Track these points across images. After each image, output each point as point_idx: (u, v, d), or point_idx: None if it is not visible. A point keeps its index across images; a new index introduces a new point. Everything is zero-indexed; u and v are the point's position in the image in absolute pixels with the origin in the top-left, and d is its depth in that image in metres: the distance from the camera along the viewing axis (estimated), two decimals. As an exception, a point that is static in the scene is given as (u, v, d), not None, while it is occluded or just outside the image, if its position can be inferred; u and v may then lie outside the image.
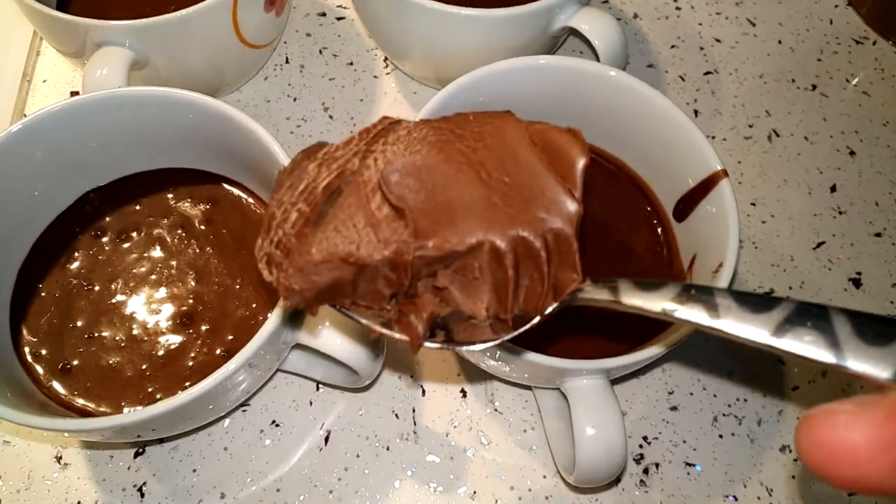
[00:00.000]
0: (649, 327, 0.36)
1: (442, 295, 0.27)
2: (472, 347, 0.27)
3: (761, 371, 0.42)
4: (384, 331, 0.27)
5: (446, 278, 0.26)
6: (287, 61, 0.51)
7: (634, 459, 0.40)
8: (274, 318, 0.30)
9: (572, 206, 0.26)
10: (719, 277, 0.33)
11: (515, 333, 0.27)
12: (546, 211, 0.26)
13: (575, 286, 0.26)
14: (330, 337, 0.32)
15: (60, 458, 0.38)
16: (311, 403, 0.40)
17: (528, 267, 0.26)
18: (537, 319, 0.27)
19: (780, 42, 0.54)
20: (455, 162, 0.27)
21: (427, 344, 0.27)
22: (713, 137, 0.50)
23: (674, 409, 0.41)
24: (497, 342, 0.27)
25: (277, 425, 0.40)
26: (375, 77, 0.51)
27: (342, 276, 0.25)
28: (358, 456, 0.39)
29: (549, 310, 0.26)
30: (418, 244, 0.25)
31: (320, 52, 0.52)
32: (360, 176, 0.26)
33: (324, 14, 0.54)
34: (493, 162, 0.27)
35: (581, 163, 0.26)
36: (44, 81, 0.51)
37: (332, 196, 0.26)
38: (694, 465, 0.40)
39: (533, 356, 0.31)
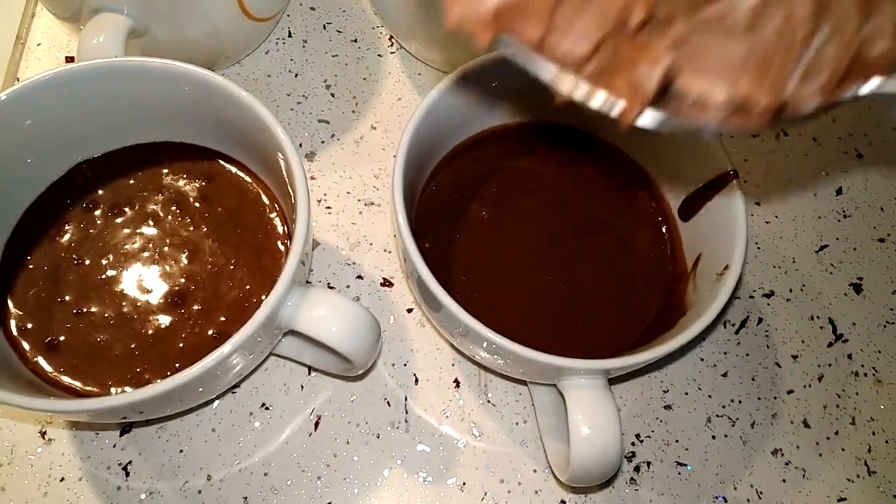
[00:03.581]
0: (652, 327, 0.35)
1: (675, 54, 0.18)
2: (723, 131, 0.19)
3: (757, 373, 0.42)
4: (587, 87, 0.19)
5: (687, 27, 0.18)
6: (290, 35, 0.50)
7: (626, 457, 0.39)
8: (269, 304, 0.30)
9: None
10: (725, 280, 0.32)
11: (760, 128, 0.19)
12: None
13: (874, 74, 0.18)
14: (325, 325, 0.31)
15: (45, 433, 0.38)
16: (301, 387, 0.40)
17: (826, 23, 0.17)
18: (810, 113, 0.19)
19: (792, 39, 0.53)
20: None
21: (648, 114, 0.19)
22: (720, 134, 0.49)
23: (668, 407, 0.41)
24: (741, 130, 0.19)
25: (267, 408, 0.39)
26: (380, 56, 0.50)
27: None
28: (347, 443, 0.39)
29: (839, 100, 0.19)
30: None
31: (324, 27, 0.51)
32: None
33: (329, -12, 0.52)
34: None
35: None
36: (38, 45, 0.49)
37: None
38: (685, 465, 0.39)
39: (530, 353, 0.30)
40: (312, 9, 0.51)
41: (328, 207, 0.44)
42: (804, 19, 0.17)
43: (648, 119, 0.19)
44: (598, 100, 0.19)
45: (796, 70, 0.18)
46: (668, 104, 0.19)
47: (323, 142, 0.46)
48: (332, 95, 0.48)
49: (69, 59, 0.48)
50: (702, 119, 0.19)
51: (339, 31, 0.50)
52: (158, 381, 0.29)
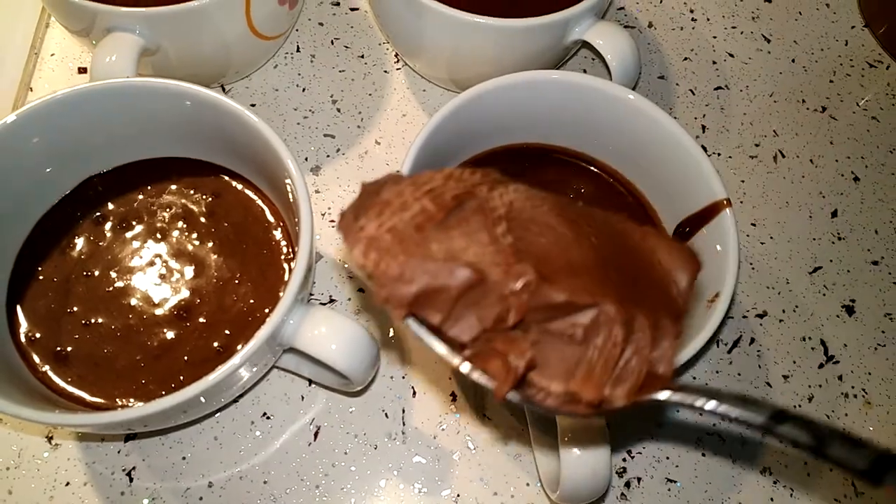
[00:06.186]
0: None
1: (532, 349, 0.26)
2: (558, 413, 0.27)
3: (748, 392, 0.42)
4: (469, 369, 0.26)
5: (537, 334, 0.26)
6: (298, 50, 0.51)
7: (617, 472, 0.40)
8: (271, 322, 0.30)
9: (681, 310, 0.27)
10: (715, 308, 0.33)
11: (584, 416, 0.27)
12: (659, 303, 0.26)
13: (662, 387, 0.26)
14: (325, 344, 0.32)
15: (51, 438, 0.39)
16: (302, 398, 0.41)
17: (631, 345, 0.26)
18: (614, 409, 0.26)
19: (793, 61, 0.54)
20: (573, 228, 0.27)
21: (510, 395, 0.26)
22: (719, 155, 0.50)
23: (660, 424, 0.42)
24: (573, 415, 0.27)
25: (268, 417, 0.40)
26: (386, 72, 0.51)
27: (451, 285, 0.25)
28: (346, 453, 0.40)
29: (640, 401, 0.26)
30: (543, 283, 0.25)
31: (332, 42, 0.51)
32: (488, 202, 0.27)
33: (337, 3, 0.53)
34: (605, 242, 0.27)
35: (693, 277, 0.27)
36: (52, 55, 0.50)
37: (460, 206, 0.26)
38: (675, 482, 0.40)
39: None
40: (321, 24, 0.52)
41: (332, 221, 0.45)
42: (618, 341, 0.25)
43: (512, 396, 0.26)
44: (477, 375, 0.26)
45: (611, 377, 0.26)
46: (522, 387, 0.26)
47: (328, 156, 0.47)
48: (338, 110, 0.49)
49: (82, 70, 0.49)
50: (545, 402, 0.26)
51: (347, 47, 0.51)
52: (163, 393, 0.30)
